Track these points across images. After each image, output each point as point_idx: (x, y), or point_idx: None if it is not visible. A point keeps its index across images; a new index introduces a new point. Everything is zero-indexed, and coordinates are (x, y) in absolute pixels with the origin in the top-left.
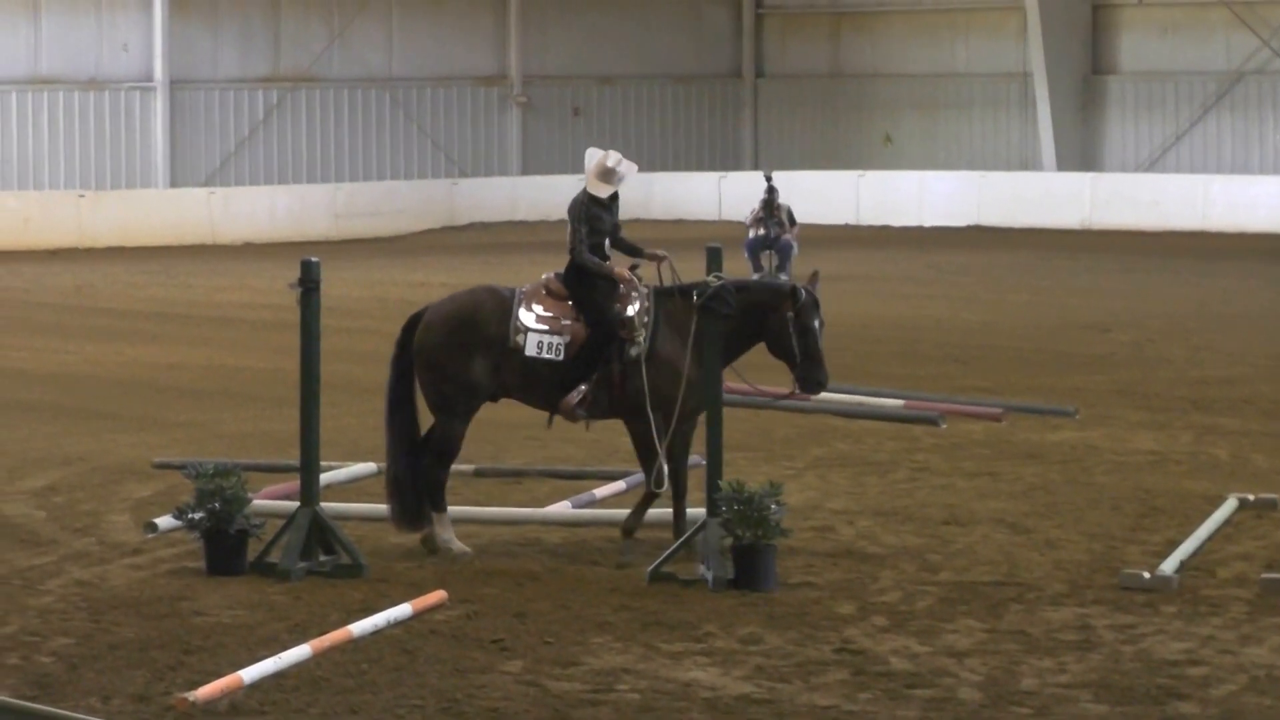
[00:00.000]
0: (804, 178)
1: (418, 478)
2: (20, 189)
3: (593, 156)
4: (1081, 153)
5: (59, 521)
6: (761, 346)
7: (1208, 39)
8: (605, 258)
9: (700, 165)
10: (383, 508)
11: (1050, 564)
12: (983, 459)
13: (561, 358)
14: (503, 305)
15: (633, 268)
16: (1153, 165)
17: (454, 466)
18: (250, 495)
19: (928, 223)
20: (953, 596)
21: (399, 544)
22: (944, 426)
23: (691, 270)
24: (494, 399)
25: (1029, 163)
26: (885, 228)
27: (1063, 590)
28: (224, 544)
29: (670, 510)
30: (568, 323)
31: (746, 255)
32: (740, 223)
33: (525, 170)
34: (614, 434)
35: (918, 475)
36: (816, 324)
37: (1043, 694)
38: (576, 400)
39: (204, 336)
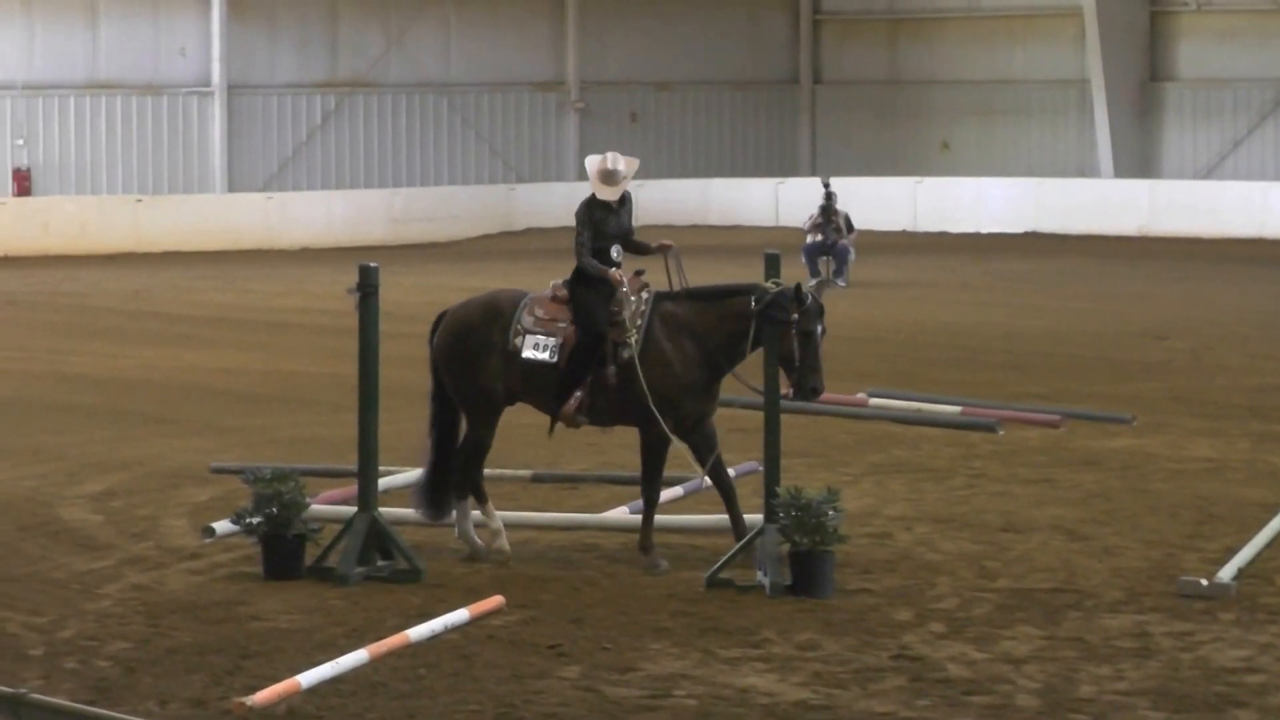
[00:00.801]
0: (861, 184)
1: (446, 473)
2: (78, 194)
3: (593, 161)
4: (1139, 159)
5: (117, 526)
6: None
7: (1266, 45)
8: (614, 262)
9: (757, 171)
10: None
11: (1108, 571)
12: (1040, 466)
13: (555, 360)
14: (510, 309)
15: (639, 272)
16: (1210, 172)
17: (511, 471)
18: (308, 500)
19: (985, 229)
20: (1010, 603)
21: (457, 549)
22: (1001, 433)
23: (747, 274)
24: (510, 403)
25: (1086, 169)
26: (942, 234)
27: (1120, 597)
28: (281, 549)
29: (719, 517)
30: (562, 325)
31: (804, 261)
32: (797, 229)
33: (582, 176)
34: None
35: (975, 482)
36: (819, 331)
37: (1100, 701)
38: (575, 407)
39: (261, 341)
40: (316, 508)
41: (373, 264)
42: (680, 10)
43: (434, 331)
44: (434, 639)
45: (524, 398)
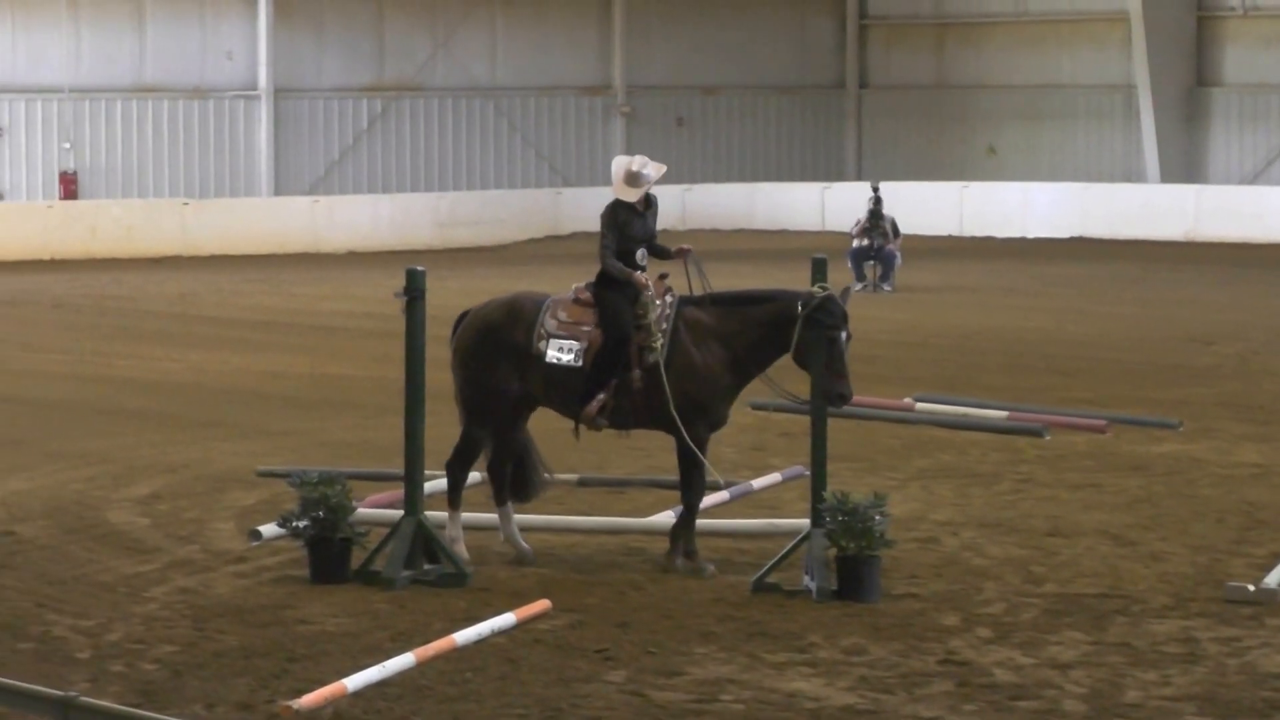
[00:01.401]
0: (907, 188)
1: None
2: (124, 197)
3: (619, 163)
4: (1185, 165)
5: (163, 529)
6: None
7: None
8: (639, 266)
9: (804, 176)
10: (487, 517)
11: (1154, 576)
12: (1087, 471)
13: (579, 364)
14: (532, 312)
15: (663, 276)
16: (1257, 177)
17: (559, 476)
18: (354, 504)
19: (1031, 234)
20: (1057, 608)
21: (503, 553)
22: (1048, 438)
23: (794, 279)
24: (529, 408)
25: (1133, 174)
26: (988, 239)
27: (1167, 603)
28: (328, 552)
29: (765, 521)
30: (586, 329)
31: (850, 265)
32: (843, 233)
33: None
34: (717, 444)
35: (1022, 487)
36: (843, 336)
37: (1147, 706)
38: (597, 409)
39: (307, 345)
40: (363, 511)
41: (419, 268)
42: (727, 15)
43: (454, 332)
44: (480, 643)
45: (545, 401)
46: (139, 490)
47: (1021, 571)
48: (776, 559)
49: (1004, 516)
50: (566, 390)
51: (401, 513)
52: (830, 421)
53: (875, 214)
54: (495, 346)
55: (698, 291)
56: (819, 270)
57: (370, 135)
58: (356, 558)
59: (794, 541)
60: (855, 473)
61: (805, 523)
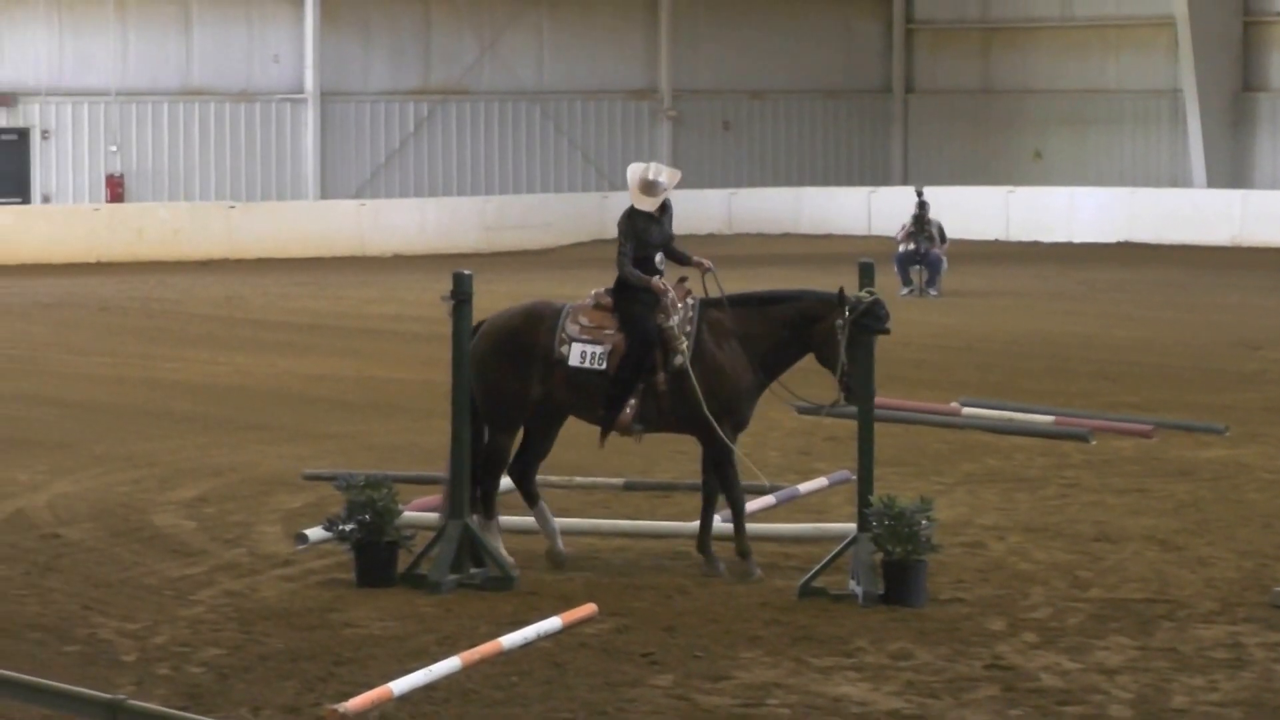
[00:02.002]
0: (953, 193)
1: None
2: (171, 200)
3: (634, 171)
4: (1232, 169)
5: (210, 532)
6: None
7: None
8: (657, 271)
9: (850, 180)
10: (532, 520)
11: (1201, 581)
12: (1133, 476)
13: (604, 367)
14: (552, 317)
15: (682, 280)
16: None
17: (604, 479)
18: (400, 507)
19: (1077, 239)
20: (1103, 613)
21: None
22: (1093, 443)
23: (840, 283)
24: (549, 415)
25: (1179, 179)
26: (1034, 243)
27: (1214, 608)
28: (374, 556)
29: (812, 525)
30: (610, 333)
31: (896, 269)
32: (889, 237)
33: (675, 186)
34: (763, 448)
35: (1068, 491)
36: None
37: (1194, 712)
38: (631, 416)
39: (354, 348)
40: (409, 515)
41: (466, 271)
42: (773, 19)
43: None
44: (526, 647)
45: (569, 407)
46: (185, 493)
47: (1068, 576)
48: (823, 563)
49: (1050, 521)
50: (590, 394)
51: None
52: (876, 426)
53: (920, 219)
54: (515, 352)
55: (715, 295)
56: (866, 274)
57: (417, 139)
58: (403, 561)
59: (840, 546)
60: (901, 477)
61: (851, 527)
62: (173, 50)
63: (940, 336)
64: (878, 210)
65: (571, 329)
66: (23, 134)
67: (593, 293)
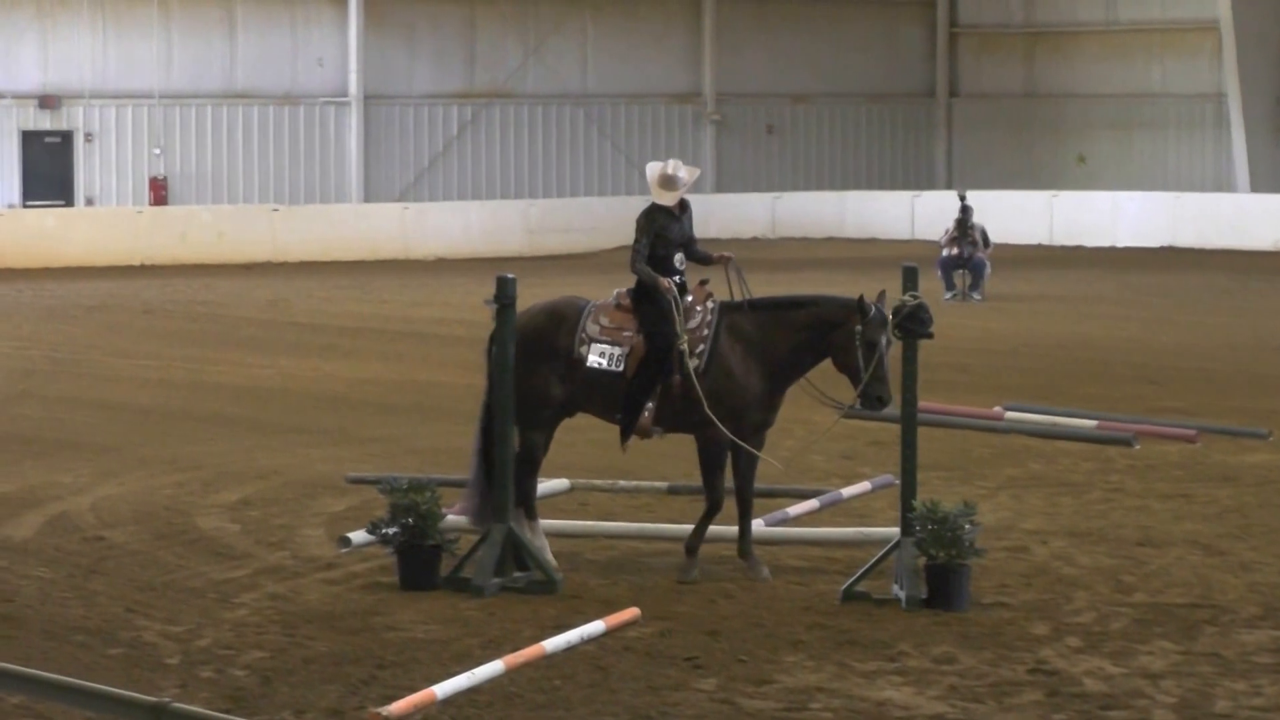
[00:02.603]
0: (997, 197)
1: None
2: (214, 203)
3: (653, 167)
4: (1276, 174)
5: (253, 535)
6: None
7: None
8: (676, 270)
9: (893, 184)
10: (578, 523)
11: (1245, 586)
12: (1177, 480)
13: (622, 369)
14: (574, 317)
15: (703, 282)
16: None
17: (648, 483)
18: (444, 511)
19: (1121, 243)
20: (1147, 618)
21: (593, 561)
22: (1137, 447)
23: (883, 287)
24: (569, 413)
25: (1223, 184)
26: (1078, 248)
27: (1257, 613)
28: (418, 559)
29: (855, 530)
30: (628, 334)
31: (939, 274)
32: (933, 242)
33: (718, 188)
34: (807, 452)
35: (1112, 496)
36: (883, 341)
37: (1237, 717)
38: (650, 420)
39: (397, 352)
40: (452, 518)
41: (510, 275)
42: (817, 23)
43: (492, 340)
44: (570, 650)
45: (586, 406)
46: (229, 496)
47: (1111, 581)
48: (866, 567)
49: (1094, 526)
50: (608, 395)
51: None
52: (920, 430)
53: (963, 223)
54: (538, 352)
55: (738, 297)
56: (910, 279)
57: (460, 142)
58: (446, 565)
59: (884, 550)
60: (945, 481)
61: (895, 531)
62: (217, 53)
63: (984, 341)
64: (921, 214)
65: (591, 329)
66: (66, 137)
67: (615, 292)
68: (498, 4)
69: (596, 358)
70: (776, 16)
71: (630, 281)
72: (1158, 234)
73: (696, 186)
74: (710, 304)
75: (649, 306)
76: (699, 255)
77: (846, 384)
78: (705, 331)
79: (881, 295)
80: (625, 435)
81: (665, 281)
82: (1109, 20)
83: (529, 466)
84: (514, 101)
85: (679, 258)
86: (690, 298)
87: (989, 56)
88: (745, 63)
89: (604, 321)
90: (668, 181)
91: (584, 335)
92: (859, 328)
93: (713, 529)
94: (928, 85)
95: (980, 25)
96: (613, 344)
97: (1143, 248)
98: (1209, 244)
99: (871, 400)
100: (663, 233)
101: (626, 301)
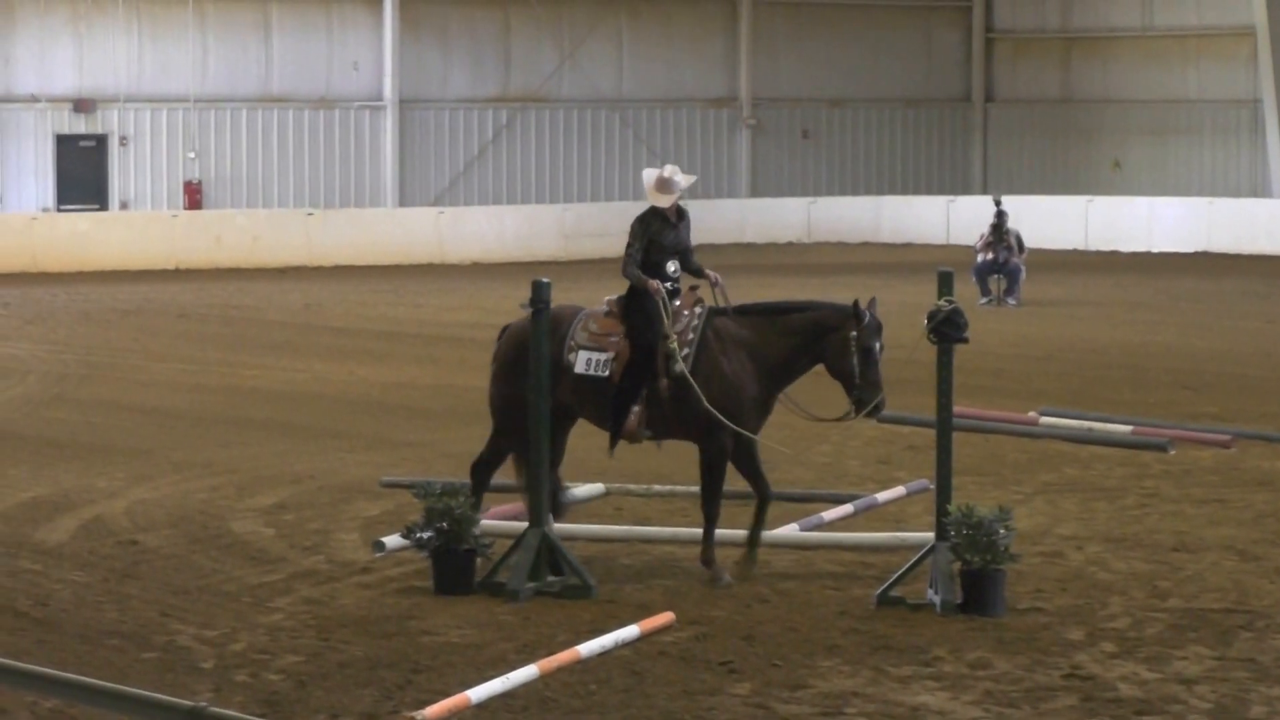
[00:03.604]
0: (1033, 202)
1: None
2: (249, 207)
3: (649, 173)
4: None
5: (288, 539)
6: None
7: None
8: (670, 277)
9: (929, 189)
10: (613, 528)
11: None
12: (1212, 486)
13: (607, 374)
14: (567, 324)
15: (693, 288)
16: None
17: (683, 487)
18: (479, 515)
19: (1156, 248)
20: (1182, 623)
21: (628, 565)
22: (1173, 453)
23: (919, 291)
24: (559, 420)
25: (1259, 189)
26: (1114, 253)
27: None
28: (452, 563)
29: (891, 534)
30: (614, 339)
31: (974, 279)
32: (968, 247)
33: (754, 192)
34: (843, 457)
35: (1147, 501)
36: (877, 347)
37: None
38: (636, 423)
39: (433, 356)
40: (487, 523)
41: (545, 279)
42: (853, 28)
43: (501, 335)
44: (605, 655)
45: (578, 411)
46: (264, 500)
47: (1146, 586)
48: (901, 572)
49: (1129, 531)
50: (597, 401)
51: (526, 524)
52: (955, 435)
53: (998, 228)
54: (527, 359)
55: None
56: (945, 283)
57: (495, 146)
58: (481, 569)
59: (919, 555)
60: (980, 486)
61: (930, 536)
62: (252, 57)
63: (1019, 346)
64: (957, 219)
65: (580, 336)
66: (101, 140)
67: (606, 299)
68: (532, 8)
69: (584, 365)
70: (812, 21)
71: (623, 288)
72: (1193, 239)
73: (732, 190)
74: (698, 309)
75: (637, 311)
76: (693, 266)
77: (839, 391)
78: (690, 335)
79: (873, 301)
80: (613, 439)
81: (654, 284)
82: (1145, 26)
83: (488, 466)
84: (549, 106)
85: (673, 265)
86: (679, 303)
87: (1025, 61)
88: (781, 67)
89: (593, 328)
90: (664, 185)
91: (572, 342)
92: (854, 333)
93: (721, 533)
94: (963, 90)
95: (1016, 30)
96: (599, 349)
97: (1178, 253)
98: (1244, 249)
99: (867, 407)
100: (657, 238)
101: (616, 307)
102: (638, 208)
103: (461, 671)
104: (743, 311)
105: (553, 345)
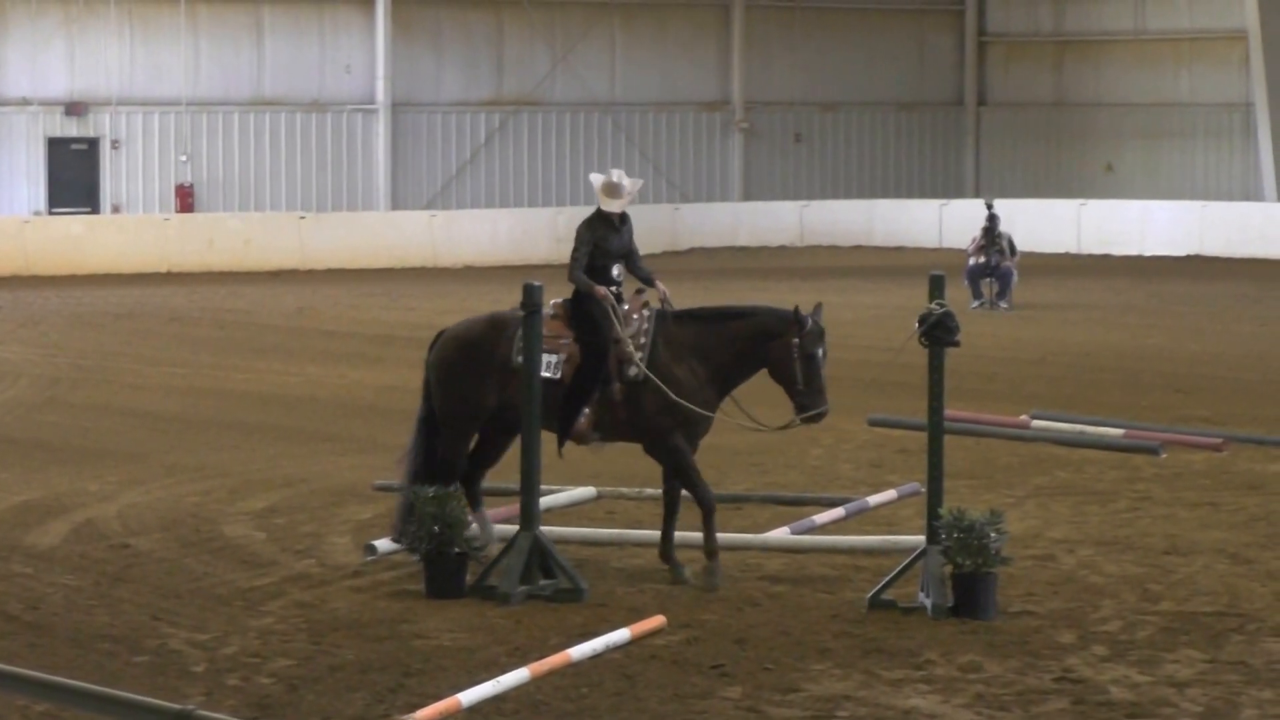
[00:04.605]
0: (1025, 206)
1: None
2: (242, 210)
3: (597, 177)
4: None
5: (280, 543)
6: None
7: None
8: (614, 280)
9: (922, 192)
10: (604, 532)
11: (1271, 595)
12: (1204, 489)
13: (559, 376)
14: (514, 326)
15: (639, 291)
16: None
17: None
18: (470, 518)
19: (1149, 252)
20: (1173, 626)
21: (620, 568)
22: (1164, 456)
23: (911, 295)
24: (506, 423)
25: (1251, 193)
26: (1106, 256)
27: None
28: (444, 567)
29: (882, 538)
30: (565, 342)
31: (966, 282)
32: (961, 250)
33: (747, 196)
34: (835, 461)
35: (1139, 505)
36: (820, 353)
37: None
38: (586, 425)
39: (425, 359)
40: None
41: (537, 283)
42: (845, 31)
43: (430, 347)
44: (596, 658)
45: None
46: (255, 504)
47: (1138, 589)
48: (892, 575)
49: (1121, 534)
50: (546, 403)
51: (517, 527)
52: (947, 438)
53: (991, 231)
54: (476, 361)
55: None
56: (936, 287)
57: (488, 149)
58: (473, 572)
59: (910, 558)
60: (972, 490)
61: (921, 539)
62: (244, 60)
63: (1011, 349)
64: (949, 223)
65: None
66: (93, 143)
67: (552, 302)
68: (526, 11)
69: None
70: (805, 25)
71: (568, 291)
72: (1185, 243)
73: (724, 194)
74: (646, 312)
75: (584, 316)
76: (642, 272)
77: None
78: (643, 339)
79: (818, 308)
80: (561, 440)
81: (601, 289)
82: (1137, 29)
83: (448, 473)
84: (542, 109)
85: (617, 269)
86: (627, 306)
87: (1017, 65)
88: (774, 71)
89: (542, 331)
90: (612, 189)
91: (520, 344)
92: (796, 340)
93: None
94: (956, 94)
95: (1009, 34)
96: (549, 351)
97: (1170, 256)
98: (1236, 253)
99: (809, 413)
100: (601, 243)
101: (563, 311)
102: (630, 211)
103: (453, 675)
104: (688, 316)
105: (502, 348)
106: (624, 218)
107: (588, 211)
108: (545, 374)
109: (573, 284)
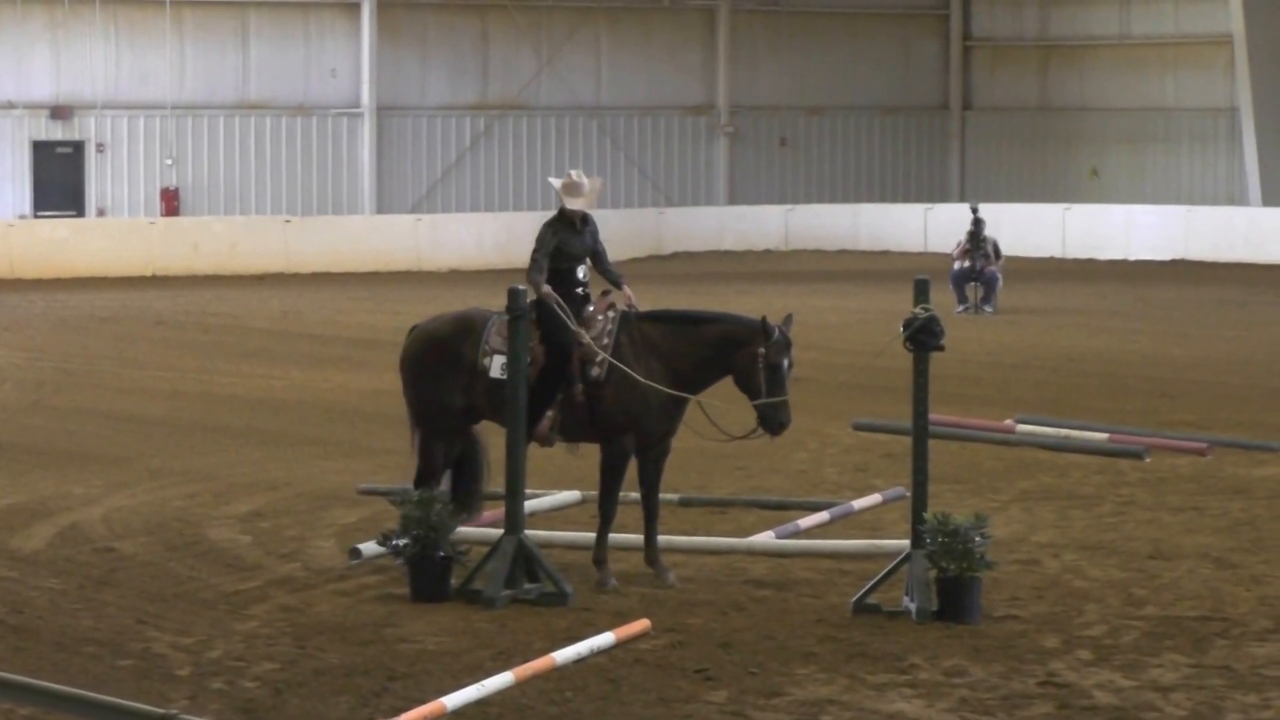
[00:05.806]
0: (1010, 210)
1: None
2: (227, 214)
3: (557, 178)
4: None
5: (264, 547)
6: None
7: None
8: (580, 282)
9: (907, 197)
10: (589, 535)
11: (1256, 599)
12: (1188, 494)
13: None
14: (480, 327)
15: (605, 293)
16: None
17: (660, 495)
18: (455, 522)
19: (1134, 256)
20: (1158, 631)
21: (616, 572)
22: (1149, 460)
23: (896, 299)
24: (472, 421)
25: (1236, 198)
26: (1091, 261)
27: (1268, 626)
28: (429, 571)
29: (867, 542)
30: (530, 345)
31: (951, 287)
32: (946, 254)
33: (732, 200)
34: (821, 465)
35: (1123, 509)
36: (785, 363)
37: None
38: (548, 426)
39: None
40: (463, 530)
41: (522, 287)
42: (831, 36)
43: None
44: (581, 662)
45: (490, 416)
46: (240, 508)
47: (1122, 594)
48: (877, 580)
49: (1105, 539)
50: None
51: (502, 531)
52: (932, 443)
53: (975, 235)
54: (442, 361)
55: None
56: (921, 291)
57: (474, 153)
58: (458, 576)
59: (895, 562)
60: (956, 494)
61: (906, 544)
62: (230, 64)
63: (996, 354)
64: (934, 227)
65: (495, 340)
66: (78, 147)
67: None
68: (511, 16)
69: (499, 369)
70: (790, 29)
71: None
72: (1170, 247)
73: (710, 198)
74: (611, 313)
75: (550, 317)
76: (611, 275)
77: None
78: (605, 340)
79: (788, 319)
80: (526, 443)
81: (546, 290)
82: (1122, 34)
83: (429, 477)
84: (527, 113)
85: (583, 270)
86: (592, 307)
87: (1003, 69)
88: (759, 75)
89: (507, 333)
90: (572, 188)
91: (487, 346)
92: (761, 349)
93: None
94: (941, 98)
95: (994, 38)
96: None
97: (1155, 261)
98: (1221, 257)
99: (772, 425)
100: (563, 245)
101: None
102: (615, 215)
103: (437, 679)
104: (656, 318)
105: (468, 349)
106: (586, 219)
107: None
108: (500, 375)
109: (530, 283)
